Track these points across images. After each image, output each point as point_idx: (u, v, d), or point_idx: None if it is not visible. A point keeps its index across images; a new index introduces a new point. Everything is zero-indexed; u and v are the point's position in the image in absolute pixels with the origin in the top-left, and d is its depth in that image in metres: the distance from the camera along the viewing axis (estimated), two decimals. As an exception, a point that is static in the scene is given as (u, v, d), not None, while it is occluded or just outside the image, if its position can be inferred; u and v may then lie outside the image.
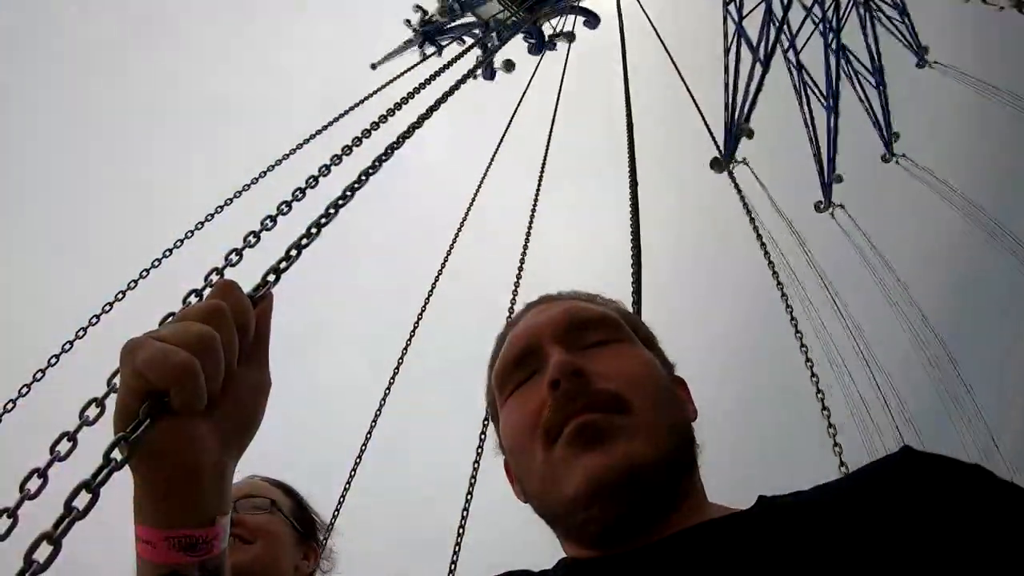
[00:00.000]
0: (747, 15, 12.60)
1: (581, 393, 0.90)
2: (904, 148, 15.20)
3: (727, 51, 12.03)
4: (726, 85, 11.89)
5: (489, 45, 15.28)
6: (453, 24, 16.73)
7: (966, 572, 0.64)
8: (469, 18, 16.54)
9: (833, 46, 13.80)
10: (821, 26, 13.64)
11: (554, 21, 15.10)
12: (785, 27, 12.66)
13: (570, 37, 13.99)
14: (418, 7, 17.25)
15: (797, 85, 13.72)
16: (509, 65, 14.42)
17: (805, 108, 13.66)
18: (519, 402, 0.98)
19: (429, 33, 17.01)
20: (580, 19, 14.91)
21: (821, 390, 4.07)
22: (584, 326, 1.01)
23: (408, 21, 17.44)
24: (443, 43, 16.80)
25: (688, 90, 6.40)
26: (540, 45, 14.91)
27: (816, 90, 13.86)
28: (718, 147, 11.01)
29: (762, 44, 12.04)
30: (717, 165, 12.09)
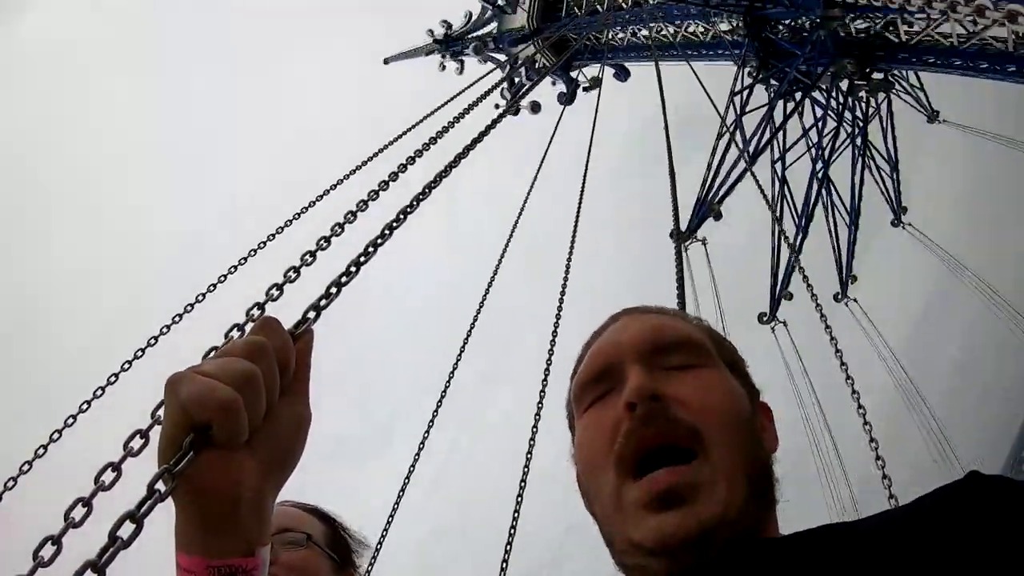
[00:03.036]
0: (750, 111, 12.76)
1: (657, 418, 0.88)
2: (858, 292, 15.19)
3: (720, 135, 12.20)
4: (709, 165, 12.00)
5: (516, 79, 15.52)
6: (474, 36, 17.15)
7: None
8: (499, 54, 16.88)
9: (820, 174, 13.89)
10: (813, 151, 13.79)
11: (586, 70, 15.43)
12: (778, 137, 12.92)
13: (597, 83, 14.15)
14: (445, 22, 17.59)
15: (775, 195, 13.89)
16: (536, 107, 14.58)
17: (775, 220, 13.81)
18: (594, 419, 0.97)
19: (455, 50, 17.39)
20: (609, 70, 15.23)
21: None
22: (668, 347, 0.98)
23: (431, 31, 17.81)
24: (466, 60, 17.16)
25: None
26: (572, 95, 15.17)
27: (792, 206, 13.90)
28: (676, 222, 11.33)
29: (753, 141, 12.24)
30: (675, 235, 12.26)
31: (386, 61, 18.83)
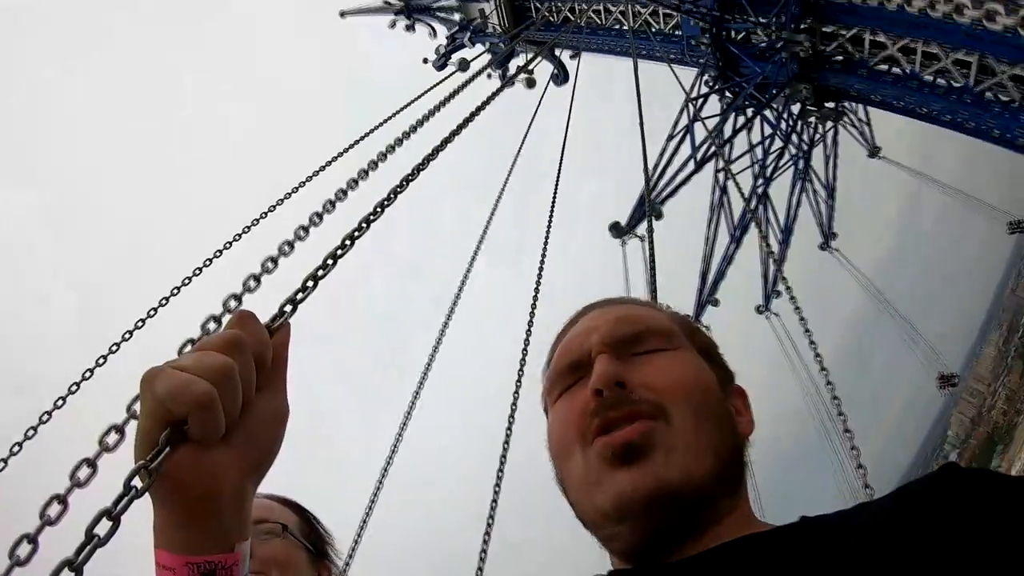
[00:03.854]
0: (703, 119, 13.07)
1: (622, 403, 0.91)
2: (780, 308, 15.72)
3: (670, 137, 12.37)
4: (656, 165, 12.20)
5: (496, 52, 15.36)
6: (438, 5, 17.02)
7: None
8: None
9: (759, 191, 14.22)
10: (755, 167, 14.08)
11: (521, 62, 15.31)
12: (725, 148, 13.20)
13: (530, 84, 14.09)
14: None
15: (714, 203, 14.14)
16: (531, 83, 14.50)
17: (711, 227, 14.24)
18: (564, 407, 0.99)
19: (412, 9, 17.20)
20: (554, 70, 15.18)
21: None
22: (635, 335, 1.00)
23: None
24: (417, 25, 16.97)
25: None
26: (565, 74, 15.14)
27: (729, 216, 14.38)
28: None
29: (701, 148, 12.49)
30: (615, 230, 12.58)
31: (342, 14, 18.69)
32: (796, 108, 14.12)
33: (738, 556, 0.80)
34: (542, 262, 5.30)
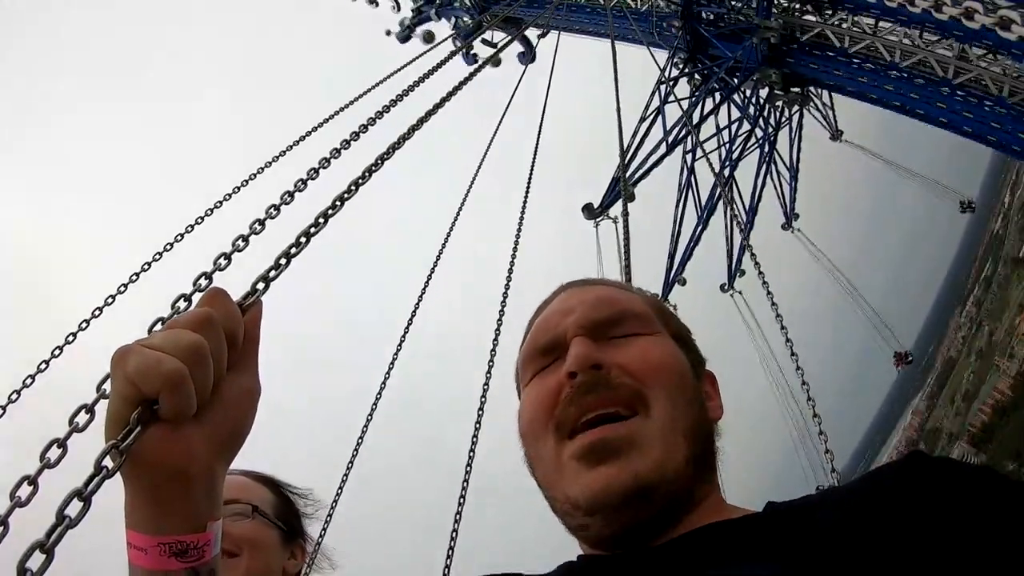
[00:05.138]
0: (672, 101, 13.06)
1: (598, 386, 0.90)
2: (743, 286, 16.07)
3: (643, 119, 12.41)
4: (629, 146, 12.22)
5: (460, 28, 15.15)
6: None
7: (975, 570, 0.64)
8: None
9: (727, 173, 14.35)
10: (721, 151, 14.20)
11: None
12: (695, 131, 13.30)
13: (495, 62, 13.99)
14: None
15: (682, 184, 14.40)
16: (496, 63, 14.32)
17: (679, 208, 14.38)
18: (537, 388, 0.98)
19: None
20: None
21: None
22: (611, 318, 0.99)
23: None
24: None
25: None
26: (533, 53, 14.99)
27: (696, 197, 14.54)
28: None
29: (673, 131, 12.54)
30: (588, 211, 12.72)
31: None
32: (764, 92, 14.24)
33: (707, 544, 0.80)
34: (515, 247, 5.30)
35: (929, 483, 0.74)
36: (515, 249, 5.14)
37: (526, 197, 6.09)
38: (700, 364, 1.05)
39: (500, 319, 4.33)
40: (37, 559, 0.63)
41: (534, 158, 7.02)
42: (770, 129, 15.22)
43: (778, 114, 15.28)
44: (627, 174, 11.80)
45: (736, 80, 13.04)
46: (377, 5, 17.56)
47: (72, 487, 0.67)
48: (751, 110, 14.48)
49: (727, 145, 14.59)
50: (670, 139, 12.60)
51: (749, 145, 15.05)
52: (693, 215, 14.56)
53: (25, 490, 0.72)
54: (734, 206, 15.02)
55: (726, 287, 16.06)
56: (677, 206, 14.33)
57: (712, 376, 1.07)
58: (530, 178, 6.47)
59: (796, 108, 15.40)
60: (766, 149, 15.47)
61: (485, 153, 7.91)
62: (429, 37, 15.14)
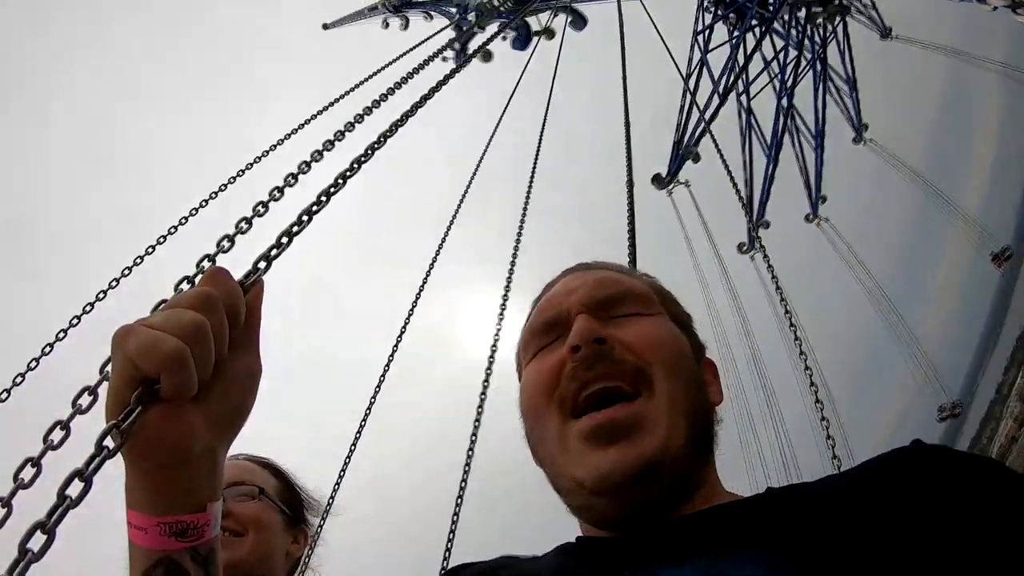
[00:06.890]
0: (713, 49, 12.69)
1: (601, 359, 0.89)
2: (828, 212, 15.78)
3: (688, 77, 12.10)
4: (681, 108, 11.95)
5: (464, 27, 14.98)
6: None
7: (970, 560, 0.64)
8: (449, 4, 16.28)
9: (784, 103, 14.02)
10: (776, 82, 13.85)
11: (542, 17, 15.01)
12: (744, 73, 13.01)
13: (550, 34, 13.82)
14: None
15: (743, 128, 13.92)
16: (487, 55, 14.18)
17: (746, 152, 13.83)
18: (539, 365, 0.98)
19: (399, 4, 16.72)
20: (567, 18, 14.83)
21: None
22: (614, 297, 1.00)
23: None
24: (410, 16, 16.50)
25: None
26: (526, 40, 14.79)
27: (760, 137, 14.05)
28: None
29: (722, 80, 12.23)
30: (658, 181, 12.51)
31: (325, 26, 17.85)
32: (802, 15, 13.66)
33: (707, 526, 0.80)
34: (521, 225, 5.28)
35: (930, 472, 0.74)
36: (517, 244, 5.11)
37: (529, 189, 6.03)
38: (700, 350, 1.05)
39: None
40: (39, 540, 0.63)
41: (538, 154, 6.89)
42: (817, 48, 14.54)
43: (823, 31, 14.60)
44: (685, 136, 11.60)
45: (772, 8, 12.73)
46: (387, 26, 17.11)
47: (73, 467, 0.67)
48: (794, 34, 13.89)
49: (779, 76, 14.09)
50: (720, 88, 12.17)
51: (802, 69, 14.45)
52: (761, 157, 14.17)
53: (28, 472, 0.73)
54: (800, 135, 14.74)
55: (811, 216, 15.68)
56: (743, 150, 13.99)
57: (712, 363, 1.07)
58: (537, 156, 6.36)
59: (839, 20, 14.61)
60: (818, 68, 14.80)
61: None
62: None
